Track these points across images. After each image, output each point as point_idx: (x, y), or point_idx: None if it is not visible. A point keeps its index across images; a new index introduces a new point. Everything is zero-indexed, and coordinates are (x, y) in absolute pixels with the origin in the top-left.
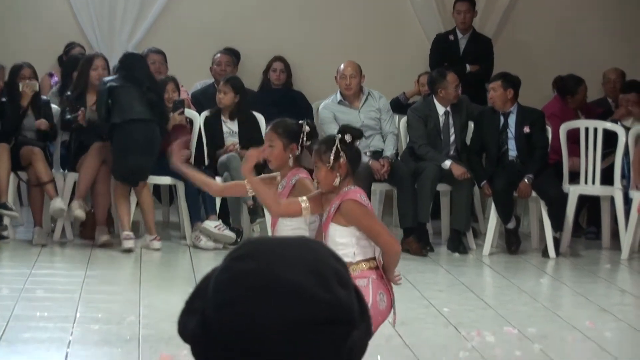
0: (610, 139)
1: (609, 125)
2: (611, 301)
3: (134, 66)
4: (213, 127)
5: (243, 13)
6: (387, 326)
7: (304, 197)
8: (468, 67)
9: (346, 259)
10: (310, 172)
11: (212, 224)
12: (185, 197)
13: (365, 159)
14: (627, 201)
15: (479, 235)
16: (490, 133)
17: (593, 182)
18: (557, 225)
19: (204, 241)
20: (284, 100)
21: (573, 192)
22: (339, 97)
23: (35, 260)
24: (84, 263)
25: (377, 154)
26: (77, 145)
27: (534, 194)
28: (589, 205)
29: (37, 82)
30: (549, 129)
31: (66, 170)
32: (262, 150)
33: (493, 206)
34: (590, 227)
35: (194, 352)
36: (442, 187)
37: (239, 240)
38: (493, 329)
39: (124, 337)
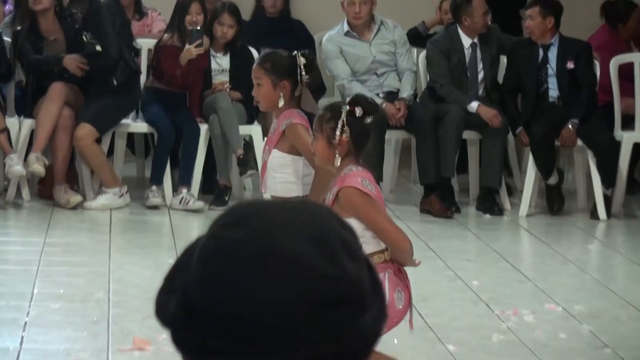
0: None
1: None
2: None
3: None
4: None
5: None
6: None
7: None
8: None
9: None
10: (309, 116)
11: (177, 199)
12: (154, 152)
13: (378, 101)
14: None
15: (514, 192)
16: (527, 69)
17: None
18: (608, 180)
19: (191, 201)
20: (280, 31)
21: (627, 140)
22: (346, 27)
23: None
24: (42, 229)
25: (391, 96)
26: (34, 86)
27: (579, 142)
28: None
29: None
30: (597, 64)
31: (22, 117)
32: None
33: (531, 157)
34: None
35: (174, 337)
36: (469, 135)
37: (227, 199)
38: (532, 306)
39: (91, 317)
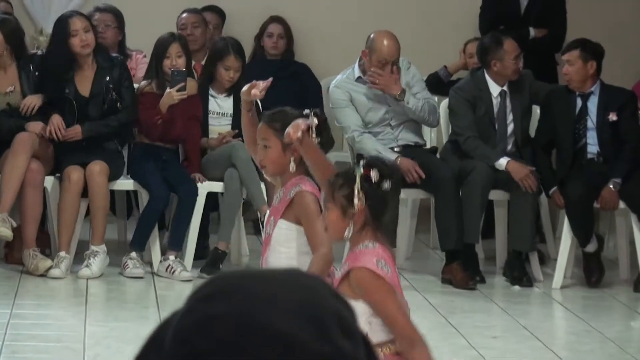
0: None
1: None
2: None
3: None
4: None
5: None
6: None
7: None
8: (532, 32)
9: None
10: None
11: (164, 265)
12: (141, 214)
13: (391, 155)
14: None
15: (547, 261)
16: (563, 121)
17: None
18: None
19: (177, 270)
20: (283, 76)
21: None
22: (357, 72)
23: None
24: (9, 298)
25: (408, 150)
26: None
27: (622, 204)
28: None
29: None
30: None
31: None
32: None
33: (566, 221)
34: None
35: None
36: (496, 195)
37: (221, 266)
38: None
39: None
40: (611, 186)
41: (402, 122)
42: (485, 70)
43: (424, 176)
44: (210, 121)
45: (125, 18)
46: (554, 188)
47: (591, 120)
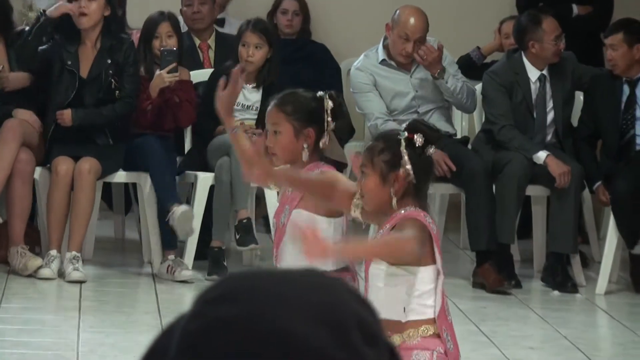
0: None
1: None
2: None
3: None
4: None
5: None
6: None
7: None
8: (575, 9)
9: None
10: (337, 165)
11: (164, 267)
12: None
13: None
14: None
15: (590, 264)
16: (609, 110)
17: None
18: None
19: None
20: (298, 58)
21: None
22: (381, 54)
23: None
24: None
25: None
26: None
27: None
28: None
29: None
30: None
31: None
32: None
33: (612, 220)
34: None
35: None
36: (534, 191)
37: (225, 263)
38: None
39: None
40: None
41: (431, 110)
42: (522, 53)
43: (454, 169)
44: (236, 110)
45: None
46: (599, 183)
47: (639, 109)
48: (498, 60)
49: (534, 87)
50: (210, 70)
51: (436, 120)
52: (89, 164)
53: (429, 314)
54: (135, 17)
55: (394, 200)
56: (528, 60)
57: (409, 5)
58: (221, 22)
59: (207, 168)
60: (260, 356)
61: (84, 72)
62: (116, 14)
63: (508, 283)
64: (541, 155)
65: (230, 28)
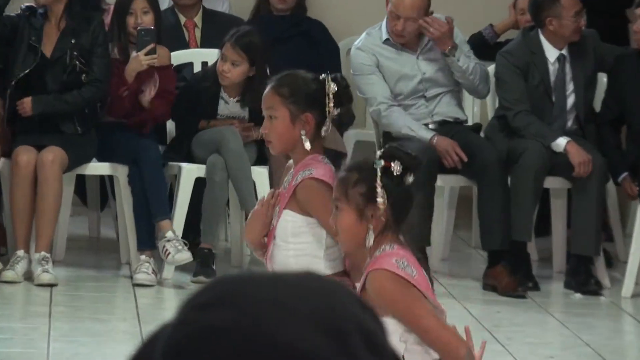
0: None
1: None
2: None
3: None
4: (202, 91)
5: None
6: None
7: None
8: None
9: None
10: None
11: (160, 244)
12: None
13: (426, 133)
14: None
15: (615, 263)
16: (635, 92)
17: None
18: None
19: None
20: (292, 36)
21: None
22: (384, 32)
23: None
24: None
25: (446, 127)
26: None
27: None
28: None
29: None
30: None
31: None
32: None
33: (639, 215)
34: None
35: None
36: (553, 183)
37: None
38: None
39: None
40: None
41: (440, 94)
42: (539, 30)
43: (465, 159)
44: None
45: None
46: (625, 174)
47: None
48: (513, 39)
49: (553, 69)
50: (197, 51)
51: (446, 104)
52: (52, 154)
53: (432, 354)
54: None
55: (371, 239)
56: (546, 38)
57: None
58: None
59: (191, 158)
60: None
61: (47, 51)
62: None
63: (523, 288)
64: (561, 143)
65: (210, 1)
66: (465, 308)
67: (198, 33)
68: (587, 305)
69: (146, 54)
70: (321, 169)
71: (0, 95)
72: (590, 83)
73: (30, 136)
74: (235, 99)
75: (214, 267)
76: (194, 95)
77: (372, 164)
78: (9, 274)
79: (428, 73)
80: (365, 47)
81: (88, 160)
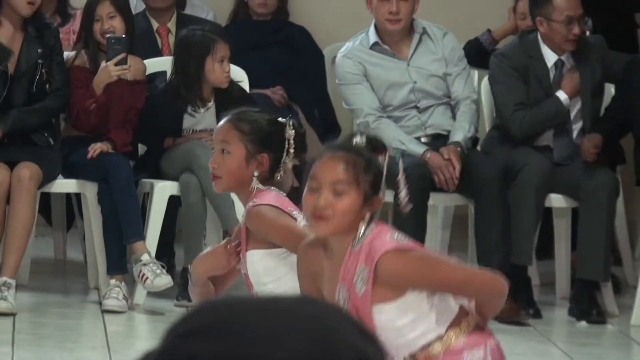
0: None
1: None
2: None
3: None
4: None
5: None
6: None
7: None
8: None
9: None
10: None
11: (136, 269)
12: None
13: (418, 148)
14: None
15: (624, 289)
16: None
17: None
18: None
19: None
20: (273, 43)
21: None
22: (372, 37)
23: None
24: None
25: (439, 140)
26: None
27: None
28: None
29: None
30: None
31: None
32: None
33: None
34: None
35: None
36: (556, 201)
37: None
38: None
39: None
40: None
41: (433, 105)
42: (539, 33)
43: (457, 182)
44: (186, 128)
45: None
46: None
47: None
48: (510, 42)
49: (554, 73)
50: (170, 59)
51: (439, 116)
52: (29, 170)
53: (454, 308)
54: None
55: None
56: (543, 42)
57: None
58: (182, 4)
59: (161, 175)
60: None
61: (10, 67)
62: None
63: (525, 312)
64: (561, 95)
65: (193, 9)
66: None
67: (172, 39)
68: (593, 334)
69: (116, 64)
70: (265, 196)
71: None
72: (596, 92)
73: (0, 151)
74: (203, 110)
75: None
76: (155, 113)
77: (386, 149)
78: None
79: (420, 82)
80: (351, 54)
81: (56, 175)
